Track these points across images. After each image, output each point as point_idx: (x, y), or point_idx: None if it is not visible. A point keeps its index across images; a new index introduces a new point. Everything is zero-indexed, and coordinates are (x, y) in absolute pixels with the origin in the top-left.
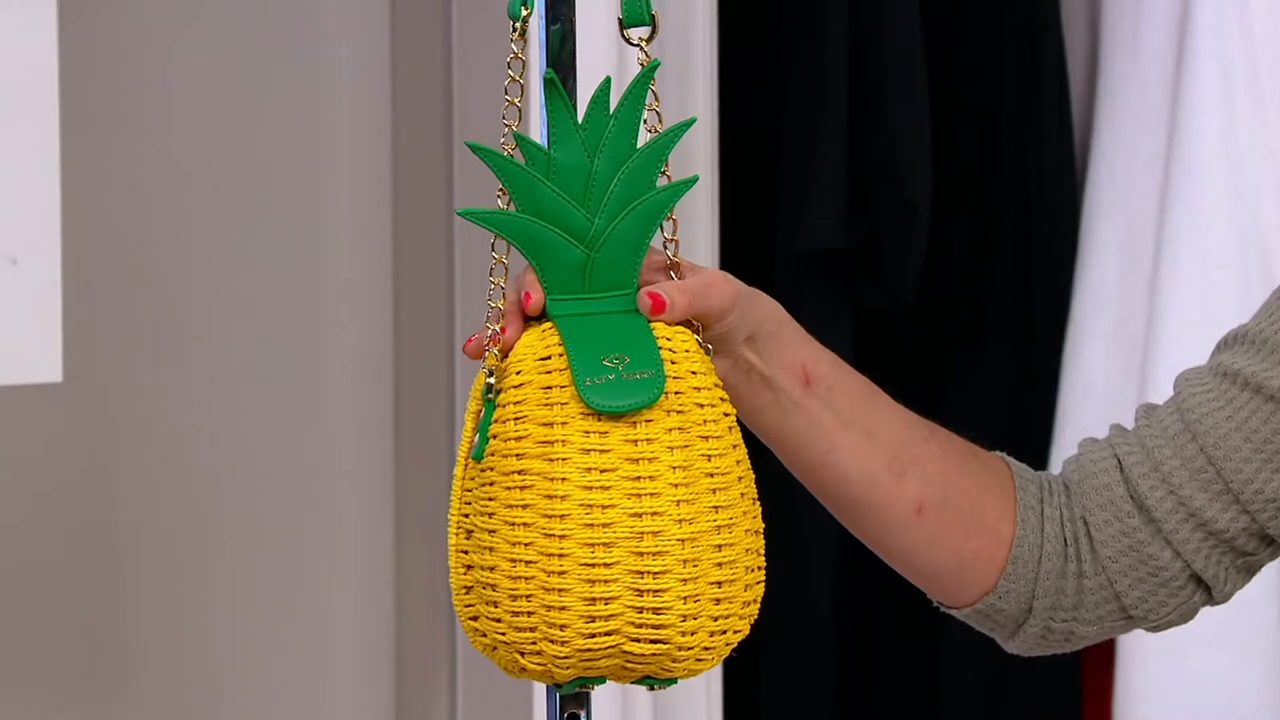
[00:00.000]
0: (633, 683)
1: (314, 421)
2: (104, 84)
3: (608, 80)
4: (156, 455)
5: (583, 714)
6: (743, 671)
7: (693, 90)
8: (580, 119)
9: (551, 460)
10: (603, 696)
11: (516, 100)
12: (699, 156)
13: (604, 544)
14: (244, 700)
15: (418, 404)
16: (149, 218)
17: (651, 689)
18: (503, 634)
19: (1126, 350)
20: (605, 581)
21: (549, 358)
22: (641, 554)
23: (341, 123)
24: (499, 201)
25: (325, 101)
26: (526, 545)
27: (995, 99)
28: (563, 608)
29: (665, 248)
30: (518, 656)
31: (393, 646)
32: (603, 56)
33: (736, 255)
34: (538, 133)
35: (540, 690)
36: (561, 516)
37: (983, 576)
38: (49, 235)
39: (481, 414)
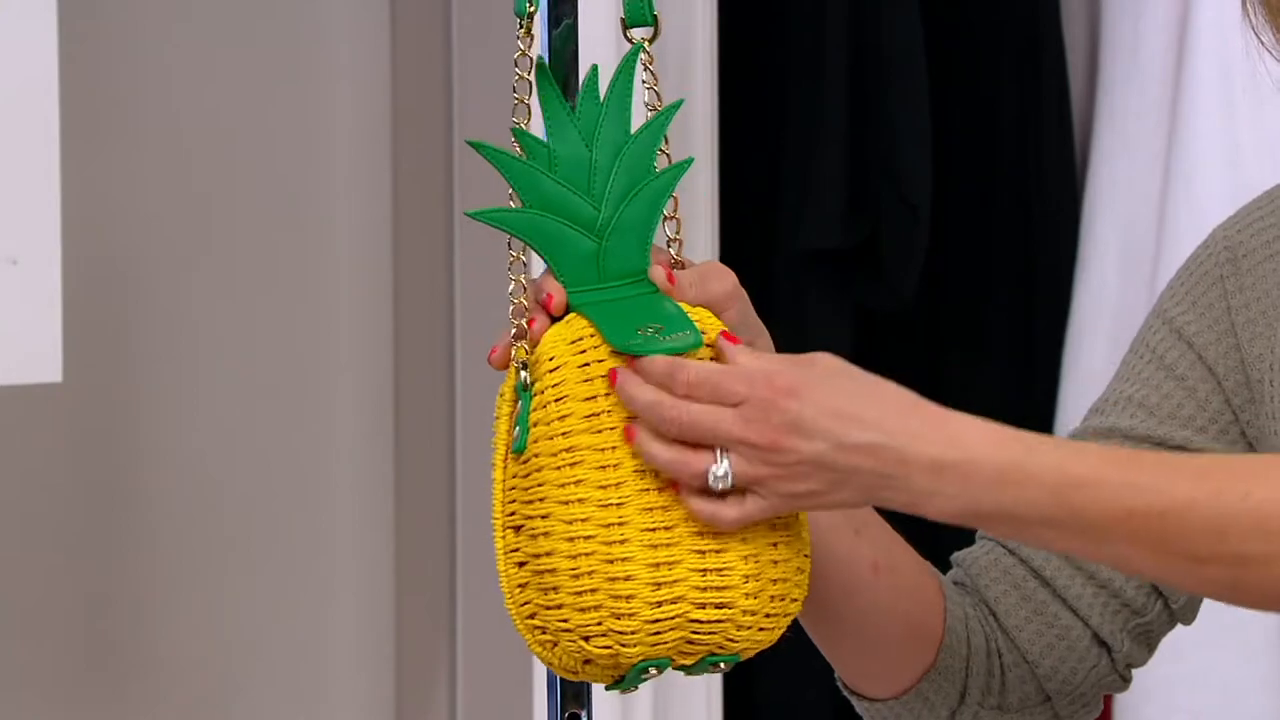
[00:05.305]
0: (697, 663)
1: (314, 422)
2: (104, 84)
3: (595, 69)
4: (156, 455)
5: (583, 714)
6: (742, 671)
7: (693, 89)
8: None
9: (599, 431)
10: (602, 697)
11: (526, 98)
12: (699, 156)
13: (662, 507)
14: (244, 700)
15: (418, 404)
16: (149, 218)
17: (717, 668)
18: (565, 620)
19: (1126, 350)
20: (668, 545)
21: (580, 339)
22: None
23: (341, 123)
24: (511, 201)
25: (325, 101)
26: (584, 520)
27: (995, 99)
28: (628, 577)
29: (667, 226)
30: (582, 643)
31: (393, 646)
32: (604, 53)
33: (737, 255)
34: (539, 130)
35: (541, 690)
36: (616, 485)
37: (924, 651)
38: (49, 235)
39: (516, 411)
